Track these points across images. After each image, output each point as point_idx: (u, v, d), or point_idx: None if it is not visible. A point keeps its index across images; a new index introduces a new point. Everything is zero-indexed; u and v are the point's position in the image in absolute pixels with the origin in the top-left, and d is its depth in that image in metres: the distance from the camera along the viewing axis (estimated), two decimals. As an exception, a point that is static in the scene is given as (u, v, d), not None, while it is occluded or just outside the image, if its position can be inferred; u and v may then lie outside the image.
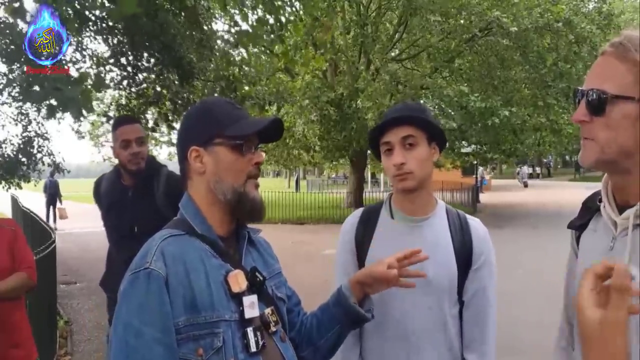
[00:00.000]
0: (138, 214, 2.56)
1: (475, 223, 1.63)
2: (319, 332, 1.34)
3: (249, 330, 1.15)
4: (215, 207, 1.22)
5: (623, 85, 1.00)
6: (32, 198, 16.70)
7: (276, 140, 1.35)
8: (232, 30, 7.14)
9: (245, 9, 6.39)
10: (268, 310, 1.22)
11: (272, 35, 6.36)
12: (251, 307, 1.17)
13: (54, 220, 15.69)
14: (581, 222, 1.20)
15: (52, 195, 16.34)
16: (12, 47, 4.43)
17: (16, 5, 3.68)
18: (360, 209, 1.75)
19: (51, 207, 16.41)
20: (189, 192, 1.26)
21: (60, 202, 16.30)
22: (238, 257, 1.24)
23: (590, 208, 1.19)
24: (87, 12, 5.78)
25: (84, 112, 3.78)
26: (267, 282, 1.25)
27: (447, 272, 1.54)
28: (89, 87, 3.51)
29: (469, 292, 1.56)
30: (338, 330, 1.33)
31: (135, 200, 2.61)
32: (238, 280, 1.17)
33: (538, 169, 47.53)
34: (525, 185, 33.95)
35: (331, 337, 1.33)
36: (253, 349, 1.14)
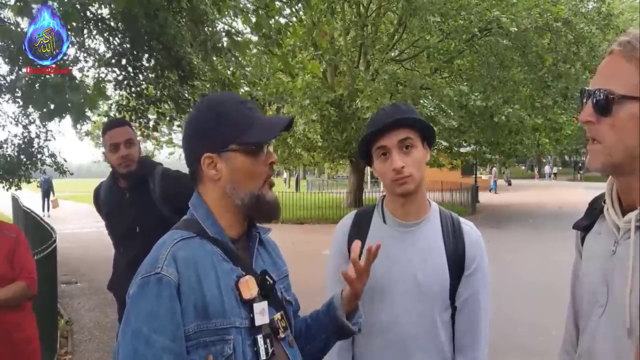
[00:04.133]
0: (137, 214, 2.57)
1: (468, 228, 1.59)
2: (307, 338, 1.33)
3: (259, 337, 1.14)
4: (229, 211, 1.20)
5: (630, 85, 0.98)
6: (32, 198, 16.72)
7: (280, 134, 1.34)
8: (226, 38, 7.14)
9: (245, 10, 6.39)
10: (277, 316, 1.21)
11: (267, 40, 6.35)
12: (262, 314, 1.16)
13: (48, 209, 19.78)
14: (586, 223, 1.18)
15: (47, 189, 19.88)
16: (13, 47, 4.44)
17: (20, 4, 3.68)
18: (353, 212, 1.72)
19: (46, 199, 20.27)
20: (200, 192, 1.22)
21: (54, 194, 20.14)
22: (249, 260, 1.22)
23: (595, 209, 1.17)
24: (87, 11, 5.78)
25: (85, 114, 3.81)
26: (276, 284, 1.24)
27: (438, 278, 1.52)
28: (90, 93, 3.53)
29: (461, 298, 1.54)
30: (325, 339, 1.32)
31: (132, 201, 2.62)
32: (249, 286, 1.16)
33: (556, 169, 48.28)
34: (509, 184, 37.27)
35: (317, 344, 1.33)
36: (263, 356, 1.13)
